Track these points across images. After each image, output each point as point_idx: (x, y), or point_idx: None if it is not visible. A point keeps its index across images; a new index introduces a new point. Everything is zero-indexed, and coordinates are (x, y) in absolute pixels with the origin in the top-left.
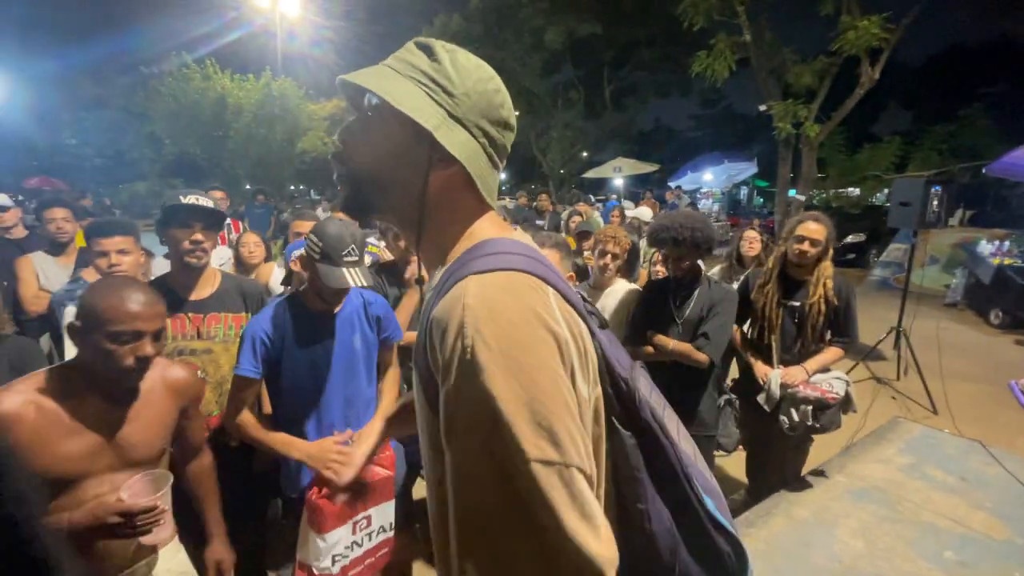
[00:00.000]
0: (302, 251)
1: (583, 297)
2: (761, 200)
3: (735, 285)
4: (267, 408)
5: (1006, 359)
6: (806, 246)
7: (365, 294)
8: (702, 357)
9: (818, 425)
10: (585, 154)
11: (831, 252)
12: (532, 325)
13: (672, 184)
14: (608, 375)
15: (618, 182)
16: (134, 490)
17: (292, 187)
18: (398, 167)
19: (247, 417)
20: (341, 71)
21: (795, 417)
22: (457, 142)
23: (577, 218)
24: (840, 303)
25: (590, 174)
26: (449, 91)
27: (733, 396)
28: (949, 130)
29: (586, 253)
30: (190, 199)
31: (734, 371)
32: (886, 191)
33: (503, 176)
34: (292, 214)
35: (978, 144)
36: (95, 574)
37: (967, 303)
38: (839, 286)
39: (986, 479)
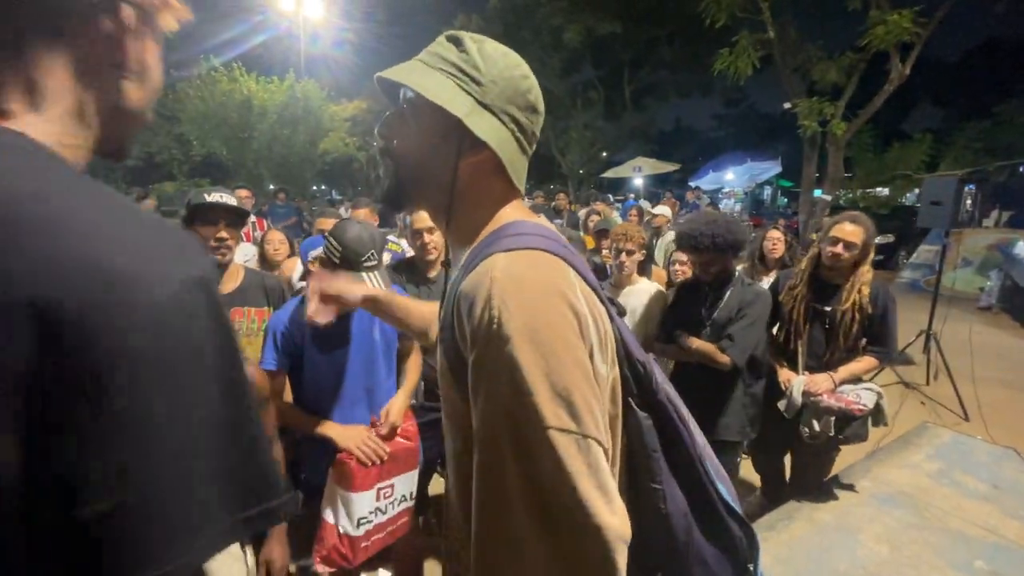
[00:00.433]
0: (320, 251)
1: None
2: (785, 200)
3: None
4: (288, 399)
5: None
6: (839, 249)
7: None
8: (724, 359)
9: (841, 436)
10: (604, 154)
11: (871, 256)
12: (555, 301)
13: (692, 184)
14: (626, 358)
15: (638, 182)
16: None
17: (314, 187)
18: (432, 156)
19: (284, 404)
20: (361, 72)
21: (816, 427)
22: (486, 128)
23: (595, 217)
24: (876, 311)
25: (609, 174)
26: (477, 79)
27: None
28: (984, 127)
29: (604, 252)
30: (214, 197)
31: None
32: (916, 191)
33: None
34: (313, 214)
35: (1016, 142)
36: None
37: (1002, 306)
38: (876, 293)
39: (1021, 487)
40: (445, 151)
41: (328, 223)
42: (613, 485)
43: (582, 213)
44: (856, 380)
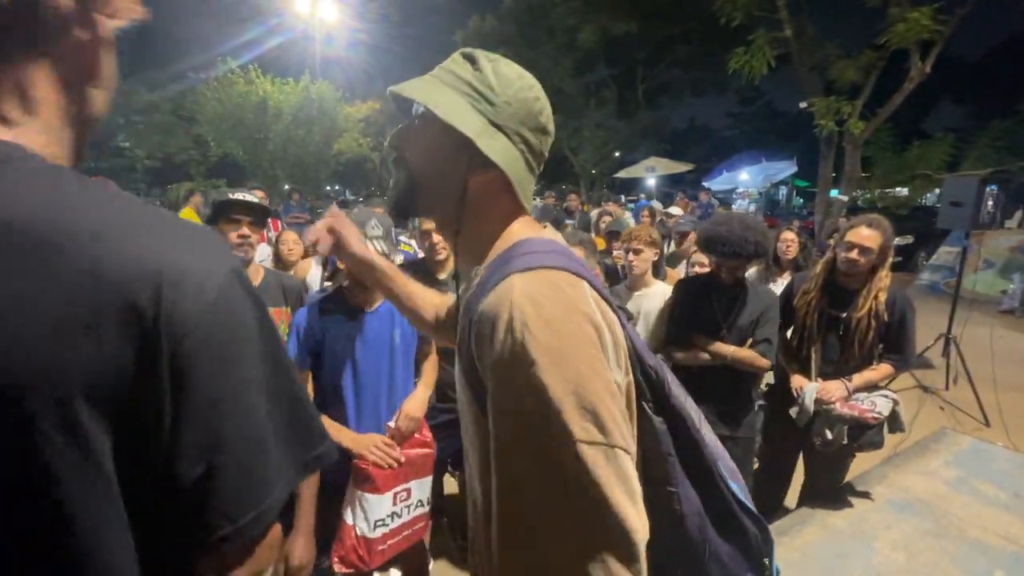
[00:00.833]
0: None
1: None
2: (801, 200)
3: (771, 287)
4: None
5: None
6: (855, 254)
7: None
8: (766, 363)
9: (855, 445)
10: (617, 154)
11: (889, 261)
12: (575, 318)
13: (706, 184)
14: (639, 363)
15: (651, 182)
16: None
17: (328, 187)
18: (442, 171)
19: None
20: (375, 73)
21: (829, 436)
22: (497, 149)
23: (607, 218)
24: (893, 319)
25: (622, 174)
26: (490, 99)
27: (763, 402)
28: (1007, 126)
29: (615, 253)
30: (238, 195)
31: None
32: (937, 191)
33: None
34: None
35: None
36: None
37: None
38: (893, 300)
39: None
40: (455, 167)
41: None
42: (639, 489)
43: (594, 214)
44: (871, 387)
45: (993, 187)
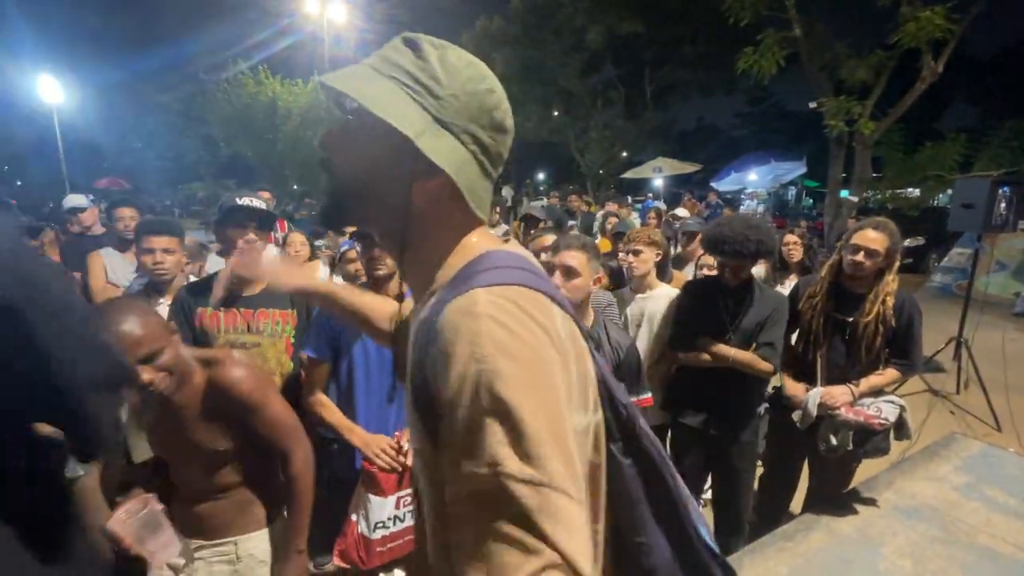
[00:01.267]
0: (351, 249)
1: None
2: (811, 201)
3: (778, 289)
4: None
5: None
6: (861, 257)
7: None
8: (767, 367)
9: (860, 451)
10: (625, 154)
11: (896, 264)
12: (543, 344)
13: (713, 185)
14: (608, 401)
15: (658, 183)
16: (119, 518)
17: None
18: (380, 176)
19: (322, 397)
20: None
21: (833, 442)
22: (443, 150)
23: (613, 219)
24: (900, 324)
25: (629, 174)
26: (435, 93)
27: (767, 405)
28: (1021, 126)
29: (620, 255)
30: (244, 201)
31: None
32: (948, 192)
33: (541, 175)
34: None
35: None
36: None
37: None
38: (901, 304)
39: None
40: (395, 172)
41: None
42: (590, 545)
43: (600, 215)
44: (877, 393)
45: (1006, 188)
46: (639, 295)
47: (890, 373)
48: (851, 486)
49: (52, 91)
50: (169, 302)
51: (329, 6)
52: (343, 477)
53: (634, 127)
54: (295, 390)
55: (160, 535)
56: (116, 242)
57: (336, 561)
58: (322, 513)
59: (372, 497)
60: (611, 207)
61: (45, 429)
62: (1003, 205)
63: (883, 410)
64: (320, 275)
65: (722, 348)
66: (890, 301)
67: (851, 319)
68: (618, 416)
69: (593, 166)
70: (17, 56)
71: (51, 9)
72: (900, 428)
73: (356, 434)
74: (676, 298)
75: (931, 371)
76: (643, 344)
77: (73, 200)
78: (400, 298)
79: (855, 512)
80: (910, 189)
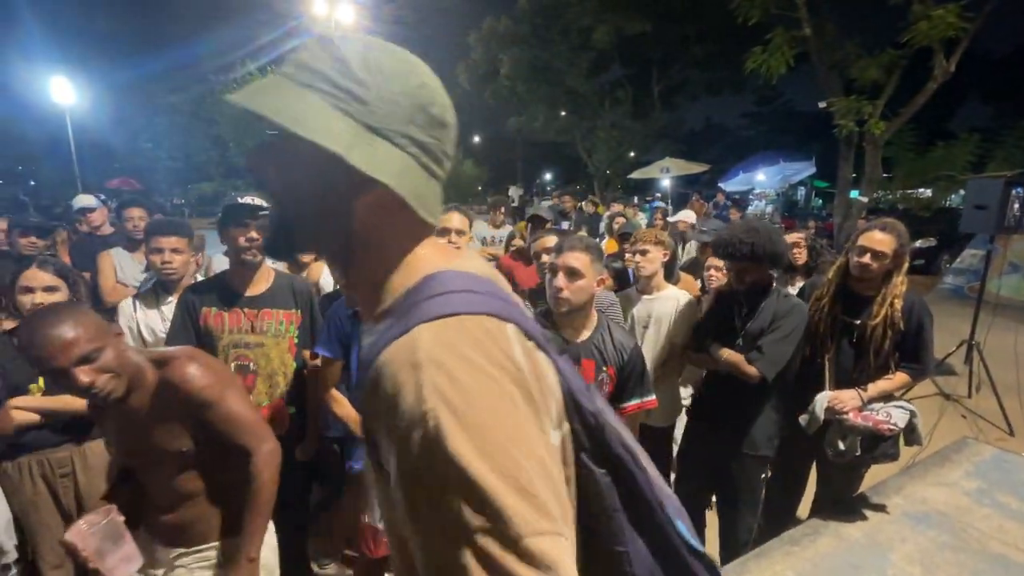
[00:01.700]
0: None
1: (542, 321)
2: (820, 201)
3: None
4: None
5: None
6: (867, 259)
7: None
8: (751, 371)
9: (869, 456)
10: (632, 154)
11: (904, 266)
12: (497, 380)
13: (721, 185)
14: (576, 411)
15: (666, 183)
16: (79, 529)
17: None
18: (318, 198)
19: (335, 394)
20: None
21: (841, 447)
22: (379, 159)
23: (620, 219)
24: (909, 327)
25: (637, 175)
26: (360, 97)
27: None
28: None
29: (627, 256)
30: (245, 199)
31: None
32: (961, 192)
33: (547, 176)
34: None
35: None
36: None
37: None
38: (910, 307)
39: None
40: (334, 191)
41: None
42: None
43: (606, 215)
44: (887, 397)
45: (1019, 189)
46: (646, 296)
47: (900, 377)
48: (860, 490)
49: (64, 92)
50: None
51: (337, 7)
52: (345, 476)
53: (641, 127)
54: (300, 389)
55: (120, 548)
56: (125, 242)
57: (345, 550)
58: (323, 514)
59: None
60: (616, 208)
61: None
62: (1016, 206)
63: (893, 415)
64: (326, 276)
65: (716, 350)
66: (898, 304)
67: (859, 322)
68: (586, 424)
69: (600, 166)
70: (31, 58)
71: (63, 12)
72: (910, 433)
73: None
74: (705, 301)
75: (942, 374)
76: (650, 346)
77: (82, 200)
78: (354, 318)
79: (864, 517)
80: (921, 189)
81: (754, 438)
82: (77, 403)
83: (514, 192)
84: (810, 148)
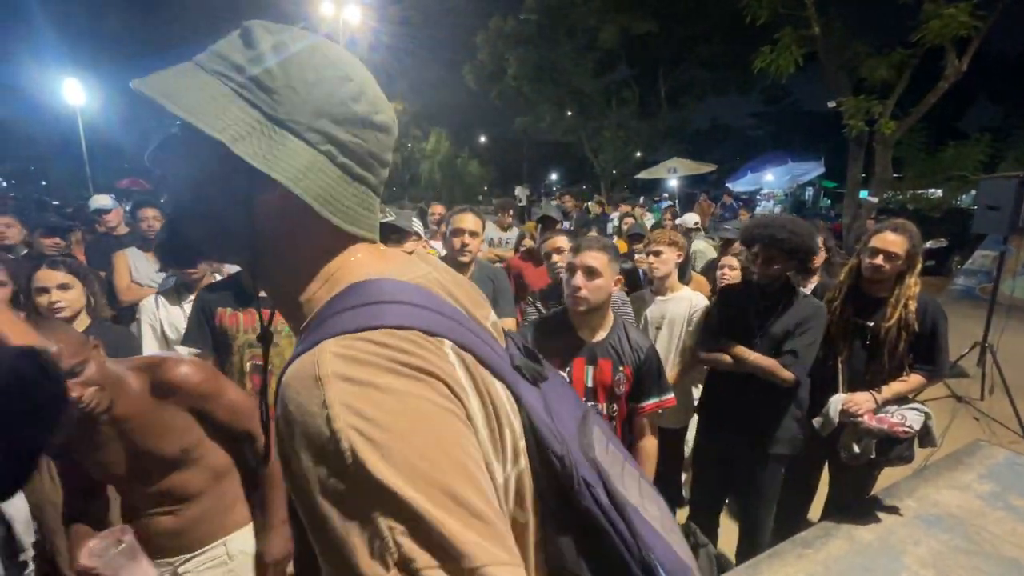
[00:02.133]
0: None
1: (521, 346)
2: (828, 201)
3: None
4: None
5: None
6: (880, 260)
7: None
8: (788, 375)
9: (883, 459)
10: (639, 154)
11: (917, 267)
12: (419, 391)
13: (728, 185)
14: (537, 452)
15: (673, 183)
16: (92, 551)
17: None
18: (214, 195)
19: None
20: (397, 74)
21: (856, 450)
22: (279, 154)
23: (629, 220)
24: (924, 328)
25: (644, 175)
26: (266, 85)
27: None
28: None
29: (637, 256)
30: None
31: None
32: (973, 192)
33: (553, 176)
34: None
35: None
36: None
37: None
38: (924, 309)
39: None
40: (231, 188)
41: None
42: None
43: (615, 216)
44: (902, 399)
45: None
46: (660, 297)
47: (914, 379)
48: (872, 493)
49: (76, 93)
50: None
51: (344, 8)
52: None
53: (648, 127)
54: None
55: (136, 569)
56: (139, 242)
57: None
58: None
59: None
60: (624, 208)
61: None
62: None
63: (907, 417)
64: None
65: (742, 351)
66: (912, 305)
67: (872, 324)
68: (549, 469)
69: (607, 166)
70: (43, 61)
71: (74, 15)
72: (925, 436)
73: None
74: (712, 301)
75: (955, 376)
76: (662, 347)
77: (99, 201)
78: (263, 336)
79: (876, 520)
80: (932, 190)
81: (776, 438)
82: None
83: (520, 192)
84: (818, 148)
